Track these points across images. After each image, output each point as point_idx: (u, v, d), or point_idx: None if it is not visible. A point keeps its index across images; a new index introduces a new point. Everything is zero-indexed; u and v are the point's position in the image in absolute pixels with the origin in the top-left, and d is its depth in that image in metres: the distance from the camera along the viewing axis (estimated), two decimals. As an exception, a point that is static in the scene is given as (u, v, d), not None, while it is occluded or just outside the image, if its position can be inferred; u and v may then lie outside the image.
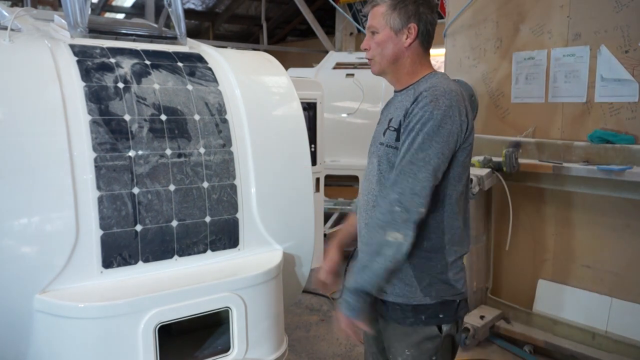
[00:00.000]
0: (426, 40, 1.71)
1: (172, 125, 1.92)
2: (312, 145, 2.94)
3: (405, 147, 1.56)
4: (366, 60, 1.81)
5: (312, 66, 6.35)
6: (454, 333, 1.69)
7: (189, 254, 1.91)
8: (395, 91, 1.78)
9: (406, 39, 1.67)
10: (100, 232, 1.72)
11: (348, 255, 1.93)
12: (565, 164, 2.99)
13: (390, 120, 1.70)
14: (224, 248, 1.99)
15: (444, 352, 1.68)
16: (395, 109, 1.70)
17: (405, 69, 1.70)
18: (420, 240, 1.60)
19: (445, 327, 1.66)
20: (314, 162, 2.97)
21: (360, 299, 1.59)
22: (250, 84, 2.19)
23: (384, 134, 1.71)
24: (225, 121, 2.04)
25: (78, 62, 1.85)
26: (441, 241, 1.64)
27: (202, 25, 11.33)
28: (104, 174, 1.75)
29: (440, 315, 1.65)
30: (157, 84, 1.96)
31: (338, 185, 6.23)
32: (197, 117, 1.98)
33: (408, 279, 1.64)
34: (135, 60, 1.98)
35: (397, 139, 1.63)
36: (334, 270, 1.91)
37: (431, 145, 1.54)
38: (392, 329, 1.71)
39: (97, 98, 1.80)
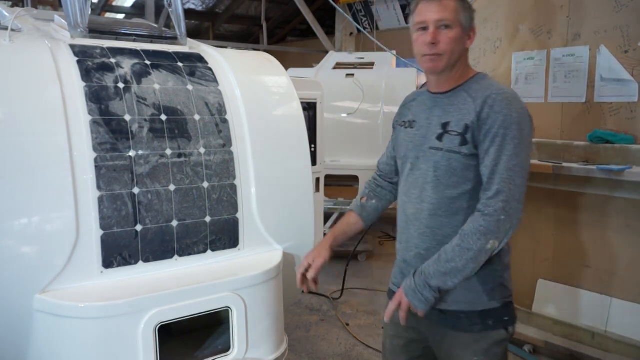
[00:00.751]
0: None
1: (173, 125, 1.92)
2: (312, 145, 2.94)
3: (494, 154, 1.52)
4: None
5: (312, 66, 6.35)
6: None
7: (189, 254, 1.91)
8: (432, 92, 1.71)
9: (468, 40, 1.64)
10: (101, 232, 1.72)
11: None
12: (565, 164, 2.99)
13: (446, 124, 1.62)
14: (224, 248, 1.99)
15: (505, 354, 1.67)
16: (447, 112, 1.64)
17: (459, 71, 1.66)
18: None
19: (510, 329, 1.65)
20: (314, 162, 2.97)
21: (437, 298, 1.57)
22: (251, 84, 2.19)
23: (439, 138, 1.63)
24: (225, 121, 2.05)
25: (78, 62, 1.85)
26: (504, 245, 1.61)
27: (202, 26, 11.33)
28: (104, 174, 1.75)
29: (505, 318, 1.65)
30: (158, 84, 1.96)
31: (338, 185, 6.23)
32: (197, 117, 1.98)
33: (472, 285, 1.62)
34: (136, 61, 1.98)
35: (463, 144, 1.58)
36: (322, 268, 1.87)
37: (522, 150, 1.53)
38: (454, 338, 1.66)
39: (97, 98, 1.81)
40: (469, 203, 1.60)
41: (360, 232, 2.01)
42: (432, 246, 1.64)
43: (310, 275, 1.83)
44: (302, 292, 2.03)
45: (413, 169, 1.71)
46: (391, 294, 1.82)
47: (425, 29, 1.61)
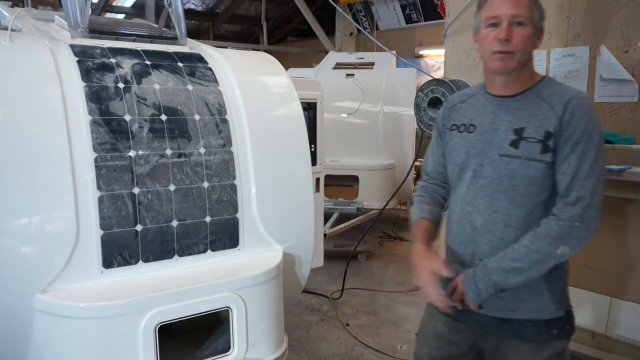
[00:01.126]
0: None
1: (173, 125, 1.92)
2: (312, 145, 2.94)
3: (576, 161, 1.48)
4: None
5: (312, 66, 6.35)
6: None
7: (189, 254, 1.91)
8: (497, 95, 1.62)
9: (537, 39, 1.57)
10: (101, 232, 1.72)
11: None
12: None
13: (519, 130, 1.54)
14: (224, 248, 1.99)
15: None
16: (519, 117, 1.56)
17: (527, 72, 1.59)
18: None
19: (569, 339, 1.62)
20: (314, 162, 2.97)
21: (492, 295, 1.53)
22: (251, 84, 2.19)
23: (514, 145, 1.54)
24: (225, 121, 2.05)
25: (78, 62, 1.85)
26: None
27: (202, 26, 11.33)
28: (104, 174, 1.75)
29: (567, 327, 1.61)
30: (158, 84, 1.96)
31: (338, 185, 6.23)
32: (197, 117, 1.98)
33: (540, 292, 1.57)
34: (136, 61, 1.98)
35: (544, 151, 1.51)
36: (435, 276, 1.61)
37: (601, 156, 1.50)
38: (515, 347, 1.61)
39: (97, 98, 1.81)
40: (544, 213, 1.54)
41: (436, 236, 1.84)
42: None
43: (447, 273, 1.56)
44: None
45: (476, 176, 1.61)
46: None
47: (496, 24, 1.52)
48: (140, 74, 1.94)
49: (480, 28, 1.58)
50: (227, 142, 2.03)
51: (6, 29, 1.84)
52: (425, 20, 8.38)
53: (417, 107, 3.80)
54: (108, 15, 9.64)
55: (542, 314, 1.58)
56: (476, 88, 1.74)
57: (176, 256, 1.88)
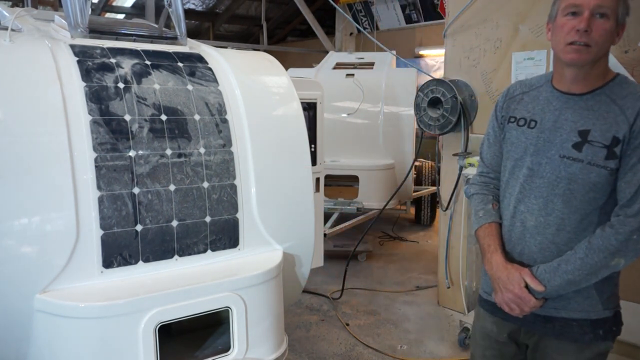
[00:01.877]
0: None
1: (173, 125, 1.92)
2: (312, 145, 2.94)
3: None
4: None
5: (312, 66, 6.35)
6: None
7: (189, 254, 1.91)
8: (564, 91, 1.55)
9: (617, 36, 1.47)
10: (101, 232, 1.72)
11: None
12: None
13: (585, 133, 1.47)
14: (224, 248, 1.99)
15: None
16: (586, 117, 1.48)
17: (599, 69, 1.49)
18: None
19: (614, 340, 1.59)
20: (314, 162, 2.97)
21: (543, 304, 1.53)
22: (251, 84, 2.19)
23: (577, 147, 1.48)
24: (225, 121, 2.05)
25: (78, 62, 1.85)
26: None
27: (202, 26, 11.33)
28: (105, 174, 1.75)
29: (614, 328, 1.58)
30: (158, 84, 1.96)
31: (338, 185, 6.23)
32: (197, 117, 1.98)
33: (588, 291, 1.54)
34: (136, 61, 1.98)
35: (610, 157, 1.44)
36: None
37: None
38: (559, 346, 1.58)
39: (97, 98, 1.81)
40: (600, 218, 1.50)
41: None
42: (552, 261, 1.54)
43: (539, 287, 1.53)
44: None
45: (533, 175, 1.56)
46: (482, 301, 1.76)
47: (576, 13, 1.43)
48: (140, 74, 1.95)
49: (558, 16, 1.48)
50: (227, 142, 2.03)
51: (6, 29, 1.84)
52: (425, 20, 8.38)
53: (417, 107, 3.80)
54: (108, 15, 9.63)
55: (590, 314, 1.55)
56: (542, 79, 1.64)
57: (176, 256, 1.89)
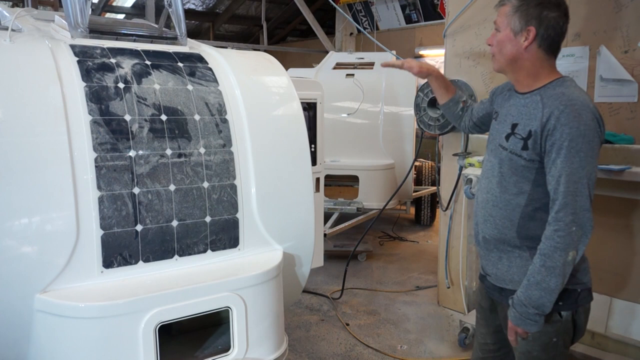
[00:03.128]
0: (548, 44, 1.70)
1: (173, 125, 1.92)
2: (312, 145, 2.94)
3: (560, 166, 1.58)
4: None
5: (312, 66, 6.35)
6: (578, 319, 1.80)
7: (189, 254, 1.91)
8: (515, 91, 1.81)
9: (524, 41, 1.70)
10: (101, 232, 1.73)
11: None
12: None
13: (514, 126, 1.73)
14: (224, 248, 1.99)
15: (563, 334, 1.77)
16: (520, 113, 1.73)
17: (524, 71, 1.74)
18: (542, 231, 1.67)
19: (564, 314, 1.74)
20: (314, 162, 2.97)
21: (543, 317, 1.68)
22: (251, 84, 2.20)
23: (506, 138, 1.75)
24: (225, 121, 2.05)
25: (79, 62, 1.86)
26: None
27: (202, 26, 11.34)
28: (105, 174, 1.75)
29: (560, 303, 1.71)
30: (158, 84, 1.96)
31: (338, 185, 6.24)
32: (197, 117, 1.98)
33: (528, 268, 1.70)
34: (136, 61, 1.98)
35: (524, 148, 1.68)
36: (433, 74, 2.20)
37: (588, 162, 1.58)
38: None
39: (97, 98, 1.81)
40: (527, 202, 1.71)
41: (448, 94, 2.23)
42: (492, 232, 1.80)
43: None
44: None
45: (486, 160, 1.88)
46: (480, 276, 2.00)
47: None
48: (140, 74, 1.95)
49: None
50: (227, 142, 2.03)
51: (6, 29, 1.85)
52: (425, 20, 8.39)
53: (417, 107, 3.80)
54: (108, 15, 9.64)
55: None
56: None
57: (176, 256, 1.89)
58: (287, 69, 2.63)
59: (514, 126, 1.73)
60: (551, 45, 1.70)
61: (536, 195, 1.69)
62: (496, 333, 1.97)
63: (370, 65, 5.96)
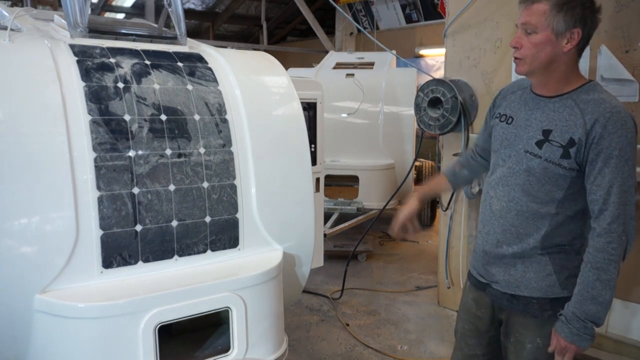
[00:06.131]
0: (582, 47, 1.62)
1: (172, 125, 1.92)
2: (312, 145, 2.94)
3: (610, 176, 1.53)
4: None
5: (312, 66, 6.35)
6: None
7: (189, 254, 1.91)
8: (537, 94, 1.70)
9: (566, 43, 1.57)
10: (100, 232, 1.72)
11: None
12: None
13: (548, 132, 1.62)
14: (224, 248, 1.99)
15: None
16: (551, 119, 1.63)
17: (557, 74, 1.63)
18: (567, 238, 1.67)
19: None
20: (314, 162, 2.97)
21: (594, 330, 1.63)
22: (250, 84, 2.19)
23: (538, 145, 1.64)
24: (225, 121, 2.04)
25: (78, 62, 1.85)
26: (581, 240, 1.69)
27: (202, 25, 11.33)
28: (104, 174, 1.75)
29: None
30: (157, 84, 1.96)
31: (338, 185, 6.23)
32: (197, 117, 1.98)
33: (547, 273, 1.69)
34: (135, 60, 1.98)
35: (565, 157, 1.59)
36: (412, 216, 1.99)
37: (634, 169, 1.56)
38: (523, 320, 1.74)
39: (97, 98, 1.81)
40: (557, 210, 1.65)
41: (447, 192, 2.17)
42: (513, 243, 1.71)
43: (399, 219, 1.97)
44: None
45: (502, 166, 1.74)
46: (469, 276, 1.95)
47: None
48: (140, 74, 1.94)
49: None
50: (227, 142, 2.03)
51: (5, 28, 1.84)
52: (425, 20, 8.39)
53: (417, 107, 3.80)
54: (108, 15, 9.63)
55: (547, 293, 1.69)
56: (528, 82, 1.77)
57: (176, 256, 1.88)
58: (287, 69, 2.63)
59: (547, 132, 1.62)
60: (584, 47, 1.62)
61: (567, 204, 1.64)
62: (490, 345, 1.89)
63: (370, 65, 5.96)
